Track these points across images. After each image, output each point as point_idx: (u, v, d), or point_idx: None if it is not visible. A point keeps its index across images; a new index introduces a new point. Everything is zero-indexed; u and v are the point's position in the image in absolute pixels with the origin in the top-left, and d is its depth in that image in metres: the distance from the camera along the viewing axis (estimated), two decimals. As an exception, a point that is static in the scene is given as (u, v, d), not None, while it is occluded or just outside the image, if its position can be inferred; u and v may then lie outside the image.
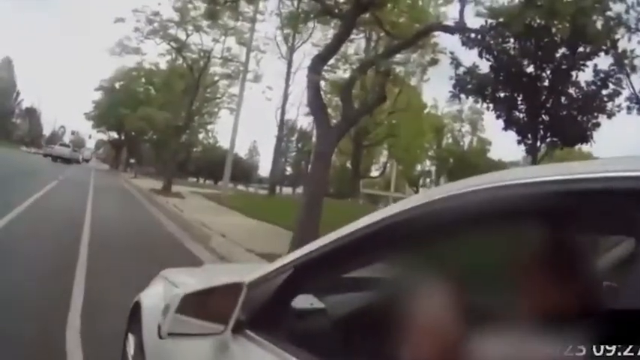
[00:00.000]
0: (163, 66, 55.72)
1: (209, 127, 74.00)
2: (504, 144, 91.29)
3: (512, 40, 18.81)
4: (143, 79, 69.80)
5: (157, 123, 50.26)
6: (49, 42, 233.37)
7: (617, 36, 19.65)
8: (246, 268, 3.77)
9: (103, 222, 17.90)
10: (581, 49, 18.82)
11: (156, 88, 63.49)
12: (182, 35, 42.14)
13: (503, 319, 1.53)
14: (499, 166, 67.46)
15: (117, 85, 76.91)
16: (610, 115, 20.02)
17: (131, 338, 3.91)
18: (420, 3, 18.49)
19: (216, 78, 48.97)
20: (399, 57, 18.51)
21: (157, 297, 3.56)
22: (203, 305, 2.44)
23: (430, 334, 1.84)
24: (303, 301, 2.56)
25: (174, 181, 43.57)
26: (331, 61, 19.06)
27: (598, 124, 19.75)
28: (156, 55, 63.68)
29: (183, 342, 2.60)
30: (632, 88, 21.99)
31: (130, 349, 3.87)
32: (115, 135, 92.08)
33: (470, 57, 25.13)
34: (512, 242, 1.66)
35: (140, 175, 65.66)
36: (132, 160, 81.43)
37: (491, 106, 20.62)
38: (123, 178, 59.37)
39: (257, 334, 2.29)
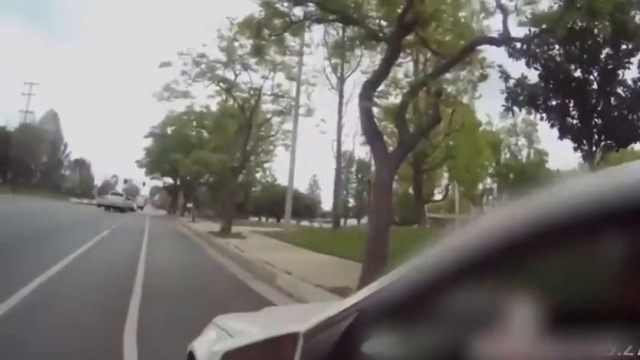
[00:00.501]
0: (214, 108, 56.55)
1: (266, 165, 74.42)
2: (561, 153, 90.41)
3: (556, 46, 18.77)
4: (194, 123, 70.34)
5: (212, 165, 50.42)
6: (95, 91, 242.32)
7: None
8: (311, 309, 3.44)
9: (159, 268, 17.94)
10: (623, 46, 18.72)
11: (208, 131, 64.06)
12: (230, 75, 42.14)
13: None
14: (558, 176, 66.71)
15: (168, 131, 77.65)
16: (659, 110, 19.86)
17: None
18: (463, 20, 18.44)
19: (269, 115, 49.01)
20: (448, 76, 18.56)
21: (209, 345, 3.27)
22: None
23: None
24: (378, 346, 2.09)
25: (234, 222, 43.25)
26: (382, 88, 19.18)
27: (650, 122, 19.59)
28: (205, 97, 64.21)
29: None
30: None
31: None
32: (169, 180, 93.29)
33: (518, 68, 24.98)
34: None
35: (198, 218, 65.69)
36: (189, 205, 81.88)
37: (544, 115, 20.48)
38: (180, 222, 59.75)
39: None
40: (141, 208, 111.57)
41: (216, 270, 19.65)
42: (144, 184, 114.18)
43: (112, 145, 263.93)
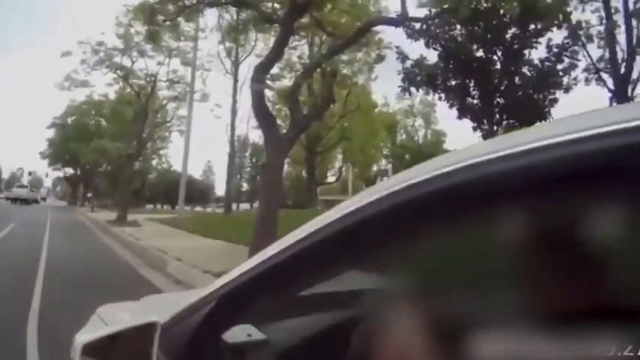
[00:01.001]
0: (112, 96, 55.86)
1: (162, 152, 75.26)
2: (460, 133, 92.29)
3: (458, 26, 18.75)
4: (93, 112, 69.44)
5: (110, 154, 50.05)
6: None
7: (570, 8, 19.76)
8: (191, 295, 3.43)
9: (59, 256, 17.99)
10: (532, 26, 18.91)
11: (106, 119, 63.58)
12: (127, 62, 42.18)
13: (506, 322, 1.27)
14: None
15: (69, 120, 76.44)
16: (567, 90, 20.25)
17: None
18: (360, 1, 18.15)
19: (164, 102, 49.42)
20: (344, 57, 18.35)
21: (89, 334, 3.00)
22: (114, 353, 2.01)
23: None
24: (239, 334, 2.13)
25: (131, 210, 43.94)
26: (276, 71, 18.91)
27: (555, 100, 19.93)
28: (104, 85, 63.33)
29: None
30: (590, 58, 22.37)
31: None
32: (71, 171, 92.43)
33: (417, 49, 25.08)
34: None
35: (97, 207, 65.98)
36: (89, 194, 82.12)
37: (443, 96, 20.59)
38: (80, 212, 59.82)
39: None
40: (44, 199, 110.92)
41: (110, 258, 19.75)
42: (47, 175, 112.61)
43: (18, 137, 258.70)
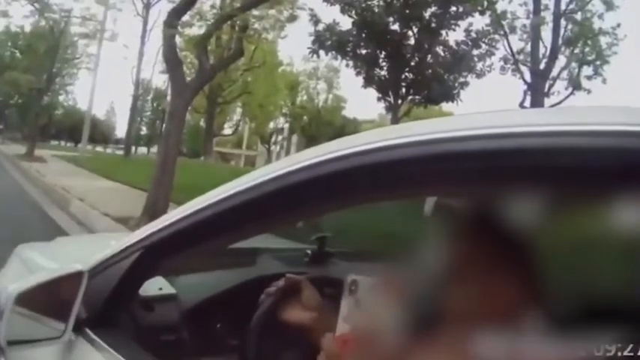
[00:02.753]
0: (28, 29, 54.88)
1: (69, 88, 73.90)
2: (361, 102, 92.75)
3: None
4: (9, 43, 67.28)
5: (21, 86, 49.06)
6: None
7: None
8: (99, 241, 3.61)
9: None
10: (453, 8, 19.11)
11: (20, 52, 61.78)
12: None
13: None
14: (353, 123, 68.36)
15: (-15, 51, 74.23)
16: (480, 75, 20.60)
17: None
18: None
19: (76, 38, 48.08)
20: (256, 12, 18.27)
21: (12, 277, 2.92)
22: (44, 302, 1.99)
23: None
24: (151, 287, 2.23)
25: (38, 145, 44.12)
26: (187, 18, 18.67)
27: (466, 84, 20.25)
28: (21, 17, 62.20)
29: (25, 350, 2.04)
30: (510, 48, 22.83)
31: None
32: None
33: (331, 14, 25.15)
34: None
35: (8, 140, 66.56)
36: (0, 127, 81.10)
37: (351, 63, 20.69)
38: None
39: (98, 333, 1.91)
40: None
41: (20, 194, 20.15)
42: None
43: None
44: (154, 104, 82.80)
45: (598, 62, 24.67)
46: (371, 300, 1.48)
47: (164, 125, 20.68)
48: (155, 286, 2.26)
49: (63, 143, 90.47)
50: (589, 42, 24.08)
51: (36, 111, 45.38)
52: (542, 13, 22.52)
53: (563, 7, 22.63)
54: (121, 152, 55.43)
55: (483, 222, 1.21)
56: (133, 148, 64.46)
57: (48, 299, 1.98)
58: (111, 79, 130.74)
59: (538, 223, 1.13)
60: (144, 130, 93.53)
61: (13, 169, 31.20)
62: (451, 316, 1.20)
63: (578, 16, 23.64)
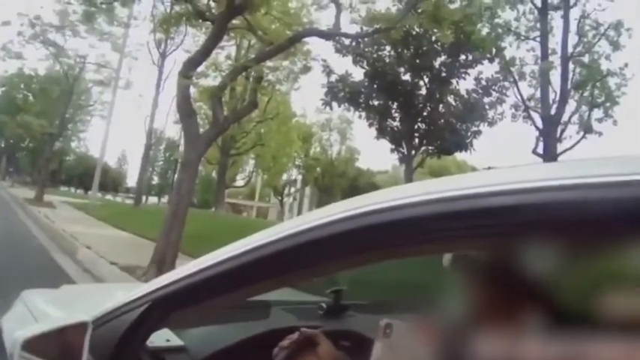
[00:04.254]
0: (42, 72, 55.43)
1: (81, 135, 74.86)
2: (374, 153, 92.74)
3: (387, 47, 18.87)
4: (22, 85, 68.30)
5: (33, 130, 49.56)
6: None
7: (504, 44, 20.13)
8: (106, 291, 3.77)
9: None
10: (463, 56, 19.14)
11: (34, 95, 62.89)
12: (61, 40, 41.75)
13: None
14: (367, 174, 68.41)
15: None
16: (492, 123, 20.62)
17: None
18: (292, 10, 18.20)
19: (90, 85, 48.83)
20: (270, 64, 18.34)
21: (17, 322, 2.95)
22: (50, 350, 1.98)
23: None
24: (158, 339, 2.20)
25: (47, 190, 44.66)
26: (201, 69, 18.78)
27: (479, 132, 20.25)
28: (36, 60, 62.54)
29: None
30: (520, 95, 22.89)
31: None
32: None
33: (344, 65, 25.31)
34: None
35: (17, 184, 67.42)
36: (10, 169, 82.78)
37: (363, 114, 20.73)
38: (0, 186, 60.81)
39: None
40: None
41: (27, 239, 20.28)
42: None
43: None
44: (167, 154, 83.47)
45: (608, 104, 24.76)
46: (407, 344, 1.52)
47: (176, 175, 20.75)
48: (162, 337, 2.24)
49: (73, 189, 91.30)
50: (598, 84, 24.15)
51: (47, 156, 45.52)
52: (550, 58, 22.63)
53: (570, 50, 22.71)
54: (131, 201, 55.58)
55: (500, 273, 1.25)
56: (144, 198, 64.71)
57: (53, 348, 1.97)
58: (124, 127, 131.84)
59: (552, 272, 1.15)
60: (155, 180, 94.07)
61: (21, 213, 31.56)
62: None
63: (586, 59, 23.77)
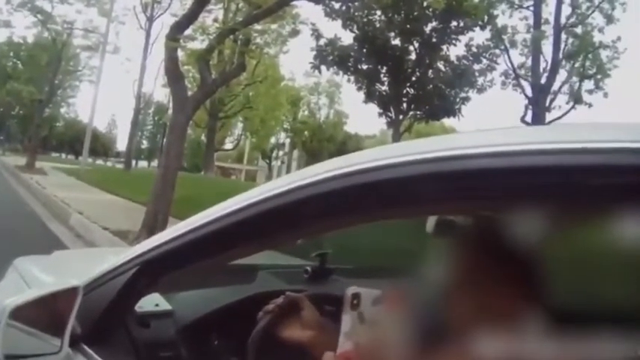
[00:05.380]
0: (31, 39, 55.19)
1: (70, 100, 74.66)
2: (363, 117, 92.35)
3: (378, 12, 18.83)
4: (12, 53, 67.77)
5: (23, 97, 49.09)
6: None
7: (497, 12, 20.13)
8: (96, 256, 3.69)
9: None
10: (454, 23, 19.14)
11: (23, 63, 62.25)
12: (48, 7, 41.41)
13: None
14: (355, 138, 68.46)
15: (-13, 61, 74.67)
16: (481, 90, 20.65)
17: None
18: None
19: (78, 50, 48.79)
20: (258, 27, 18.29)
21: (10, 290, 2.86)
22: (39, 317, 1.96)
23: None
24: (148, 303, 2.21)
25: (38, 157, 44.53)
26: (189, 32, 18.69)
27: (468, 99, 20.31)
28: (24, 28, 63.75)
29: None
30: (511, 63, 22.87)
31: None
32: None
33: (333, 29, 25.25)
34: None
35: (8, 151, 67.57)
36: (1, 138, 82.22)
37: (352, 78, 20.71)
38: None
39: (94, 349, 1.89)
40: None
41: (19, 206, 20.42)
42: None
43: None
44: (156, 118, 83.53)
45: (599, 76, 24.83)
46: (375, 314, 1.47)
47: (165, 139, 20.68)
48: (151, 302, 2.23)
49: (63, 155, 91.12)
50: (590, 56, 24.19)
51: (37, 123, 45.58)
52: (543, 27, 22.66)
53: (563, 20, 22.73)
54: (121, 165, 55.95)
55: (484, 238, 1.28)
56: (134, 162, 65.06)
57: (43, 314, 1.96)
58: (113, 92, 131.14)
59: (537, 239, 1.17)
60: (145, 144, 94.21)
61: (13, 180, 31.63)
62: (455, 330, 1.24)
63: (579, 30, 23.79)
